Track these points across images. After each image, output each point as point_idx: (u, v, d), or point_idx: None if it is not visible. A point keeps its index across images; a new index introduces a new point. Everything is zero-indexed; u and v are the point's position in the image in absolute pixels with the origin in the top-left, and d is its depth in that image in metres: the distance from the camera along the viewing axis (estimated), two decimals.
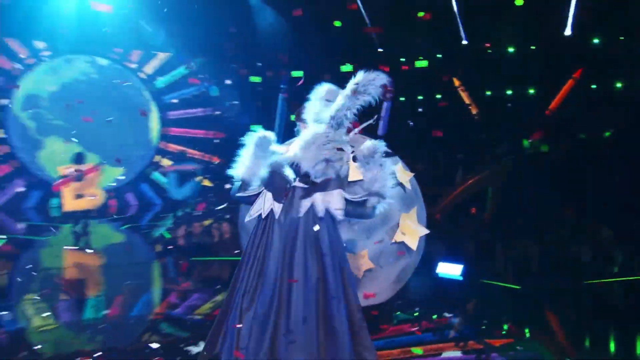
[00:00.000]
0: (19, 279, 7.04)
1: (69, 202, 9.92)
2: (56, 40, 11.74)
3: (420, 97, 12.22)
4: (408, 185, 5.28)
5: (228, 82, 12.76)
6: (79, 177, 10.03)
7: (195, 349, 4.48)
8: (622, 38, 10.16)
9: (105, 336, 4.94)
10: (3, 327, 5.08)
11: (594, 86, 10.88)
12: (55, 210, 11.23)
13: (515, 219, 8.65)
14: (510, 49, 11.19)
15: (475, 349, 4.76)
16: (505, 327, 5.59)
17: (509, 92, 11.86)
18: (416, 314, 5.81)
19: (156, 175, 12.89)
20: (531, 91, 11.64)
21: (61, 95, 11.98)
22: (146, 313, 5.88)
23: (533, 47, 10.93)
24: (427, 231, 5.39)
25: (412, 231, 5.19)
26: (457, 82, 11.95)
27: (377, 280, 5.25)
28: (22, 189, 11.50)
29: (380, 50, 11.58)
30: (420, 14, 11.06)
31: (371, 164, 3.60)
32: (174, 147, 13.06)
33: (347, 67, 11.60)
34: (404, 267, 5.39)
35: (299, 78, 10.63)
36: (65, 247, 8.91)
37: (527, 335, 5.35)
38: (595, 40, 10.76)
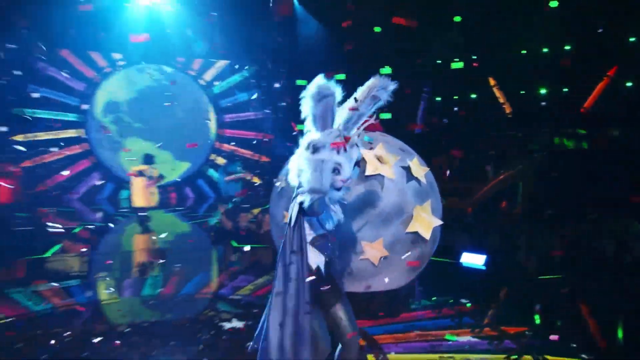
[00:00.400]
0: (92, 261, 7.94)
1: (138, 196, 10.82)
2: (130, 51, 12.86)
3: (455, 97, 12.36)
4: (423, 180, 5.15)
5: (277, 85, 13.35)
6: (150, 177, 10.76)
7: (228, 325, 5.09)
8: None
9: (161, 310, 5.64)
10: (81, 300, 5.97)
11: (629, 84, 10.59)
12: (124, 202, 12.14)
13: (542, 213, 8.63)
14: (545, 49, 11.15)
15: (490, 335, 4.88)
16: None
17: (543, 91, 11.67)
18: (434, 298, 6.08)
19: (211, 172, 13.66)
20: (565, 90, 11.41)
21: (138, 99, 13.07)
22: (195, 292, 6.40)
23: (568, 47, 10.84)
24: (440, 222, 5.24)
25: (426, 222, 5.09)
26: (492, 82, 11.93)
27: (393, 267, 5.08)
28: (98, 182, 12.59)
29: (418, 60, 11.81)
30: (457, 18, 11.26)
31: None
32: (227, 147, 13.82)
33: (386, 70, 11.95)
34: (418, 256, 5.16)
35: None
36: (134, 234, 9.94)
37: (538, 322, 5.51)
38: (632, 39, 10.56)
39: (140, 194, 10.51)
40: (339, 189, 3.40)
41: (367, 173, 4.85)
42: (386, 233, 4.90)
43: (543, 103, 11.36)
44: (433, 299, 6.13)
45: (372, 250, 4.92)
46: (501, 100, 11.84)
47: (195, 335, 4.79)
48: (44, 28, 11.51)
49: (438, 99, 12.34)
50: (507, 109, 11.71)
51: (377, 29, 12.07)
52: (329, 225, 3.45)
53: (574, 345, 4.62)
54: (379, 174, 4.88)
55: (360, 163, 3.67)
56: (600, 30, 9.75)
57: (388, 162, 5.01)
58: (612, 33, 10.00)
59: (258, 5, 12.30)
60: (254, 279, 6.93)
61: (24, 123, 11.71)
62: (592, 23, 10.25)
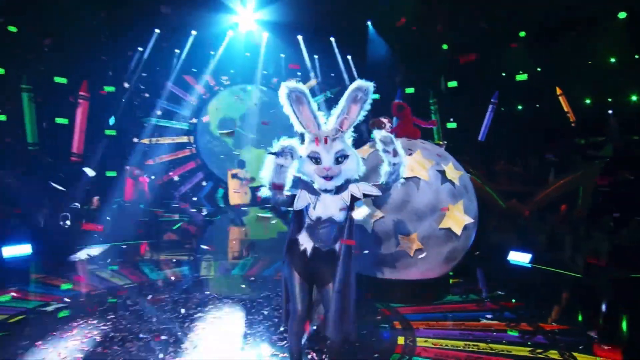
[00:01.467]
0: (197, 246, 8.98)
1: (232, 196, 11.75)
2: (235, 74, 13.86)
3: (519, 107, 11.98)
4: (457, 182, 5.41)
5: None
6: (243, 179, 11.70)
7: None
8: None
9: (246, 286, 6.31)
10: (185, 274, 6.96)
11: None
12: (220, 200, 13.34)
13: (595, 217, 8.21)
14: (612, 59, 10.50)
15: (525, 330, 4.73)
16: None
17: (609, 99, 10.99)
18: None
19: None
20: (634, 98, 10.70)
21: (248, 114, 14.01)
22: (274, 274, 6.79)
23: (638, 56, 10.14)
24: (471, 220, 5.44)
25: (458, 220, 5.30)
26: (559, 91, 11.44)
27: (428, 259, 5.33)
28: (203, 183, 13.79)
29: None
30: (522, 34, 10.98)
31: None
32: None
33: (453, 84, 11.95)
34: (451, 250, 5.44)
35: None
36: (229, 226, 10.95)
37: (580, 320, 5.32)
38: None
39: (234, 192, 11.51)
40: (327, 178, 3.39)
41: (405, 176, 5.08)
42: (421, 228, 5.21)
43: (610, 111, 10.72)
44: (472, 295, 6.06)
45: (407, 242, 5.24)
46: (566, 109, 11.26)
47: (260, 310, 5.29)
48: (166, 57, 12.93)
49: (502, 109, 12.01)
50: (572, 117, 11.13)
51: (445, 46, 12.11)
52: (313, 215, 3.46)
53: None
54: (415, 176, 5.25)
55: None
56: None
57: (424, 165, 5.33)
58: None
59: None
60: None
61: (149, 129, 13.19)
62: None
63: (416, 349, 4.31)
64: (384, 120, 5.68)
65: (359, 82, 3.47)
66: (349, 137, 3.53)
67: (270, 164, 3.32)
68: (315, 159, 3.38)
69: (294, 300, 3.51)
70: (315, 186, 3.46)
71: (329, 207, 3.44)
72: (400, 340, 4.51)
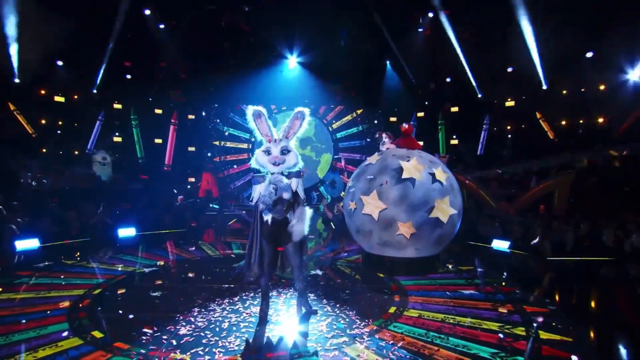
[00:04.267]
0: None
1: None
2: (279, 101, 14.34)
3: (508, 127, 11.95)
4: (445, 182, 5.55)
5: (375, 122, 14.11)
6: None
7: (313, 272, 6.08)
8: None
9: None
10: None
11: None
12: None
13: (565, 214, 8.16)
14: (582, 89, 10.42)
15: (489, 291, 4.81)
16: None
17: (580, 121, 10.81)
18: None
19: (321, 188, 14.37)
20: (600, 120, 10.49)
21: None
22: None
23: (602, 87, 10.02)
24: (455, 212, 5.56)
25: (444, 211, 5.47)
26: (539, 115, 11.34)
27: (421, 241, 5.51)
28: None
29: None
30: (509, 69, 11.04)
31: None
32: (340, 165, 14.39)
33: (454, 108, 12.12)
34: (440, 234, 5.58)
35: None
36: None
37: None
38: None
39: None
40: (275, 164, 3.93)
41: (403, 177, 5.44)
42: (415, 217, 5.42)
43: (580, 131, 10.55)
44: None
45: (405, 228, 5.45)
46: (545, 128, 11.15)
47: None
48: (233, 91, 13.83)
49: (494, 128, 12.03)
50: (551, 135, 11.01)
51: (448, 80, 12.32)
52: (269, 199, 3.89)
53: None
54: (412, 177, 5.49)
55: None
56: None
57: (419, 168, 5.56)
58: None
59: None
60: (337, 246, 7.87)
61: (218, 149, 14.13)
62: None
63: (402, 317, 4.22)
64: (385, 134, 6.08)
65: (300, 108, 4.08)
66: (293, 141, 4.10)
67: (265, 188, 3.93)
68: (267, 151, 3.98)
69: (263, 258, 4.09)
70: (269, 171, 4.02)
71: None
72: (392, 309, 4.45)
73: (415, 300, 4.67)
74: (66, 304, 4.53)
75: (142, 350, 3.47)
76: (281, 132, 4.07)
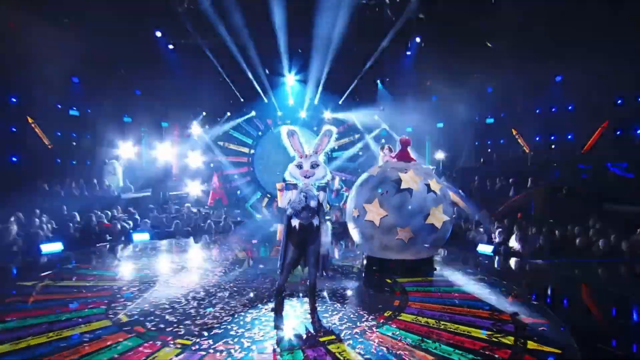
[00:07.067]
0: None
1: (280, 201, 12.38)
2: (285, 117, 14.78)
3: (489, 141, 12.49)
4: (438, 192, 5.83)
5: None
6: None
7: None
8: None
9: None
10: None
11: (618, 132, 10.12)
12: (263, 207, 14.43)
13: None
14: (553, 109, 11.04)
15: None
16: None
17: (552, 137, 11.40)
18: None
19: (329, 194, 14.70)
20: (569, 136, 11.10)
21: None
22: None
23: (570, 108, 10.63)
24: (448, 218, 5.86)
25: (438, 218, 5.77)
26: (514, 132, 11.91)
27: (417, 245, 5.78)
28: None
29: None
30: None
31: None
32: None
33: (439, 124, 12.59)
34: (434, 239, 5.88)
35: None
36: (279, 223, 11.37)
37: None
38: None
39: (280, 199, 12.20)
40: (306, 177, 4.35)
41: (401, 187, 5.72)
42: (413, 223, 5.70)
43: (553, 146, 11.13)
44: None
45: (404, 233, 5.73)
46: (522, 143, 11.69)
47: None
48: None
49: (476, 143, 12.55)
50: (527, 149, 11.56)
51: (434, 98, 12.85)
52: (298, 205, 4.30)
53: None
54: (409, 187, 5.78)
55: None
56: None
57: (415, 180, 5.89)
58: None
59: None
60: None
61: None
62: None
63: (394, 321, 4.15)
64: (386, 148, 6.45)
65: (328, 126, 4.51)
66: (322, 156, 4.51)
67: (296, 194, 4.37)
68: (299, 165, 4.38)
69: (286, 258, 4.44)
70: (299, 184, 4.40)
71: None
72: (387, 313, 4.39)
73: (413, 305, 4.63)
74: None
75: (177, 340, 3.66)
76: (312, 148, 4.41)
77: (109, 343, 3.54)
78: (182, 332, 3.81)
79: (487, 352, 3.36)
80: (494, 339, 3.65)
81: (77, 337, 3.64)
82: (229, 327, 3.97)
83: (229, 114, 14.34)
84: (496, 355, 3.31)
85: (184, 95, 13.20)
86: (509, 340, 3.63)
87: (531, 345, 3.53)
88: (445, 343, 3.58)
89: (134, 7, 10.35)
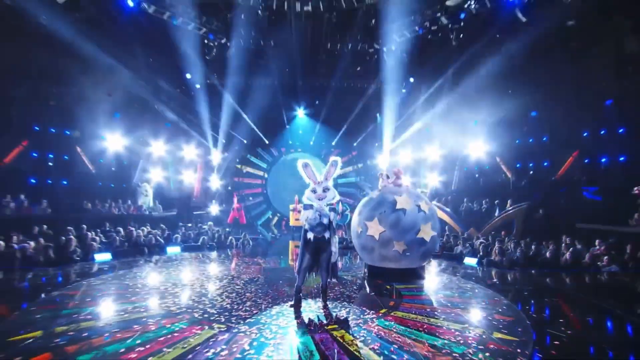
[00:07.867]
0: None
1: (292, 220, 13.22)
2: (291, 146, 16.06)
3: (476, 167, 13.53)
4: (427, 212, 6.59)
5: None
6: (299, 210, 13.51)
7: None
8: None
9: None
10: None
11: (586, 160, 11.03)
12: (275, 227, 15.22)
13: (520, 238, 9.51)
14: (531, 140, 12.11)
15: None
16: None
17: (531, 164, 12.34)
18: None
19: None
20: (545, 164, 12.04)
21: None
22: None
23: (545, 139, 11.69)
24: (435, 233, 6.61)
25: (427, 233, 6.54)
26: (498, 159, 12.85)
27: (410, 257, 6.50)
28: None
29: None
30: (475, 122, 12.72)
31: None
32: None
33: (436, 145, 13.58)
34: (424, 251, 6.62)
35: None
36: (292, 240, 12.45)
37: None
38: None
39: (294, 219, 13.10)
40: (320, 200, 5.25)
41: (397, 207, 6.59)
42: (406, 237, 6.51)
43: (531, 172, 12.14)
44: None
45: (399, 245, 6.53)
46: (505, 169, 12.69)
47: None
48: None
49: (465, 169, 13.57)
50: (509, 175, 12.54)
51: (428, 130, 13.99)
52: (314, 222, 5.15)
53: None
54: (403, 208, 6.65)
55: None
56: None
57: (408, 202, 6.81)
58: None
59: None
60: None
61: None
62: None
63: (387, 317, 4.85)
64: (385, 174, 7.38)
65: (334, 157, 5.44)
66: (330, 182, 5.42)
67: (311, 213, 5.24)
68: (314, 191, 5.27)
69: (302, 264, 5.24)
70: (315, 205, 5.29)
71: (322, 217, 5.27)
72: (383, 310, 5.18)
73: (405, 305, 5.41)
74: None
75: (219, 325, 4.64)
76: (322, 176, 5.37)
77: (166, 325, 4.58)
78: (223, 320, 4.70)
79: (459, 340, 4.22)
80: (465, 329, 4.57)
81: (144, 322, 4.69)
82: (259, 317, 4.86)
83: (245, 141, 15.63)
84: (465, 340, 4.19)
85: (205, 126, 14.53)
86: (480, 330, 4.47)
87: (496, 334, 4.33)
88: (427, 332, 4.42)
89: (168, 53, 11.80)
